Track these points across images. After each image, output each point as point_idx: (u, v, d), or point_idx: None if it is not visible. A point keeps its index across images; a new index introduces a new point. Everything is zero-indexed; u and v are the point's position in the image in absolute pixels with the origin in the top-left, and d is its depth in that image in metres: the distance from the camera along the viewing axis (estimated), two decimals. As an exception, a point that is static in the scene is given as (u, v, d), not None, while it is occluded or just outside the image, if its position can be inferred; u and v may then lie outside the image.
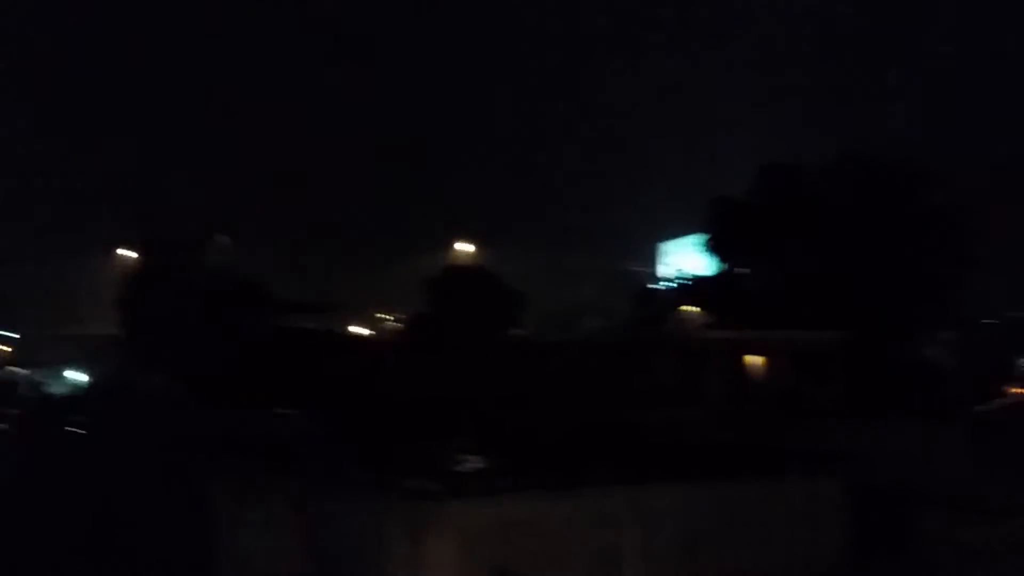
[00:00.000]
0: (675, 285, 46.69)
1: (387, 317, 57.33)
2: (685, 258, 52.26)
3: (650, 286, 52.73)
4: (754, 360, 29.93)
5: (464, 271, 42.18)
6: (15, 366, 59.48)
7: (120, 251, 48.28)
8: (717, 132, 68.50)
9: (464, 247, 57.99)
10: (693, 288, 39.00)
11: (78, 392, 47.17)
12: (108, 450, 28.06)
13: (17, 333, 63.08)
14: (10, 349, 63.49)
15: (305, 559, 19.65)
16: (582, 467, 17.88)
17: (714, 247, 36.45)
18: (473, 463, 19.80)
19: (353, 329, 53.36)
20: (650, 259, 63.22)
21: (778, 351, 30.06)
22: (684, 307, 40.50)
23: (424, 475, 17.35)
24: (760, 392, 29.08)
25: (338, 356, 32.36)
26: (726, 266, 36.37)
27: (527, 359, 31.27)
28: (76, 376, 55.14)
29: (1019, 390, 39.18)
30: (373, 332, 55.41)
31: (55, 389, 46.98)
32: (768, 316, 32.45)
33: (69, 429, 32.31)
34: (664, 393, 28.18)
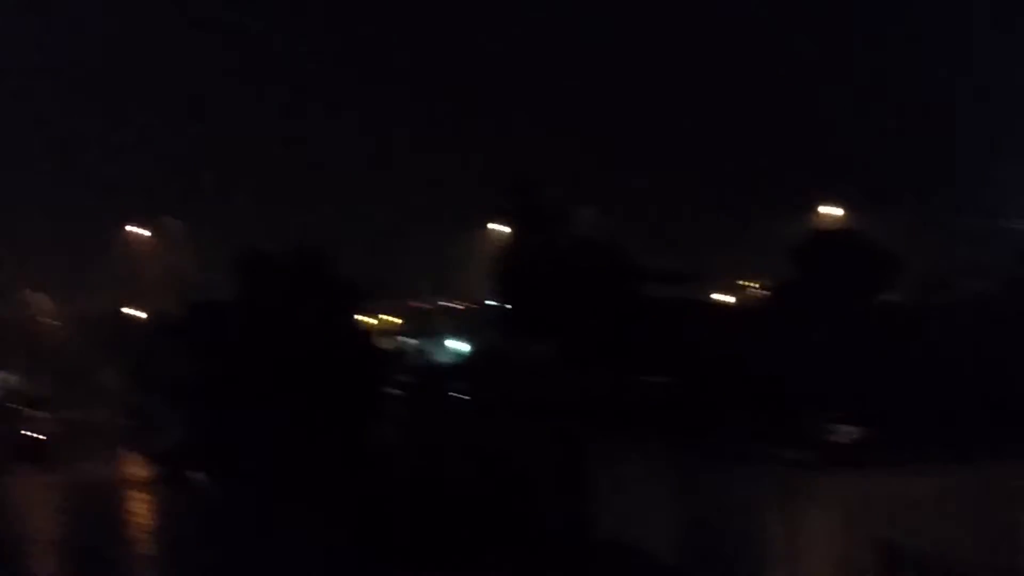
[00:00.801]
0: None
1: (751, 285, 56.36)
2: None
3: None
4: None
5: (832, 234, 40.59)
6: (404, 336, 63.92)
7: (496, 224, 50.65)
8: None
9: (831, 210, 55.75)
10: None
11: (460, 360, 49.97)
12: (488, 415, 29.53)
13: (406, 305, 67.65)
14: (399, 320, 68.21)
15: (689, 528, 19.78)
16: (974, 440, 16.77)
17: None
18: (849, 434, 19.11)
19: (717, 297, 52.93)
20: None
21: None
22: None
23: (799, 445, 16.94)
24: None
25: (703, 324, 32.16)
26: None
27: (903, 326, 29.67)
28: (458, 345, 58.47)
29: None
30: (737, 300, 54.70)
31: (439, 357, 49.99)
32: None
33: (452, 395, 34.30)
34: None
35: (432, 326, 66.10)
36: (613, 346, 29.84)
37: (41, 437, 52.56)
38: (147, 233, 71.50)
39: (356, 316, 34.05)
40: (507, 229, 38.41)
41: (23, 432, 53.05)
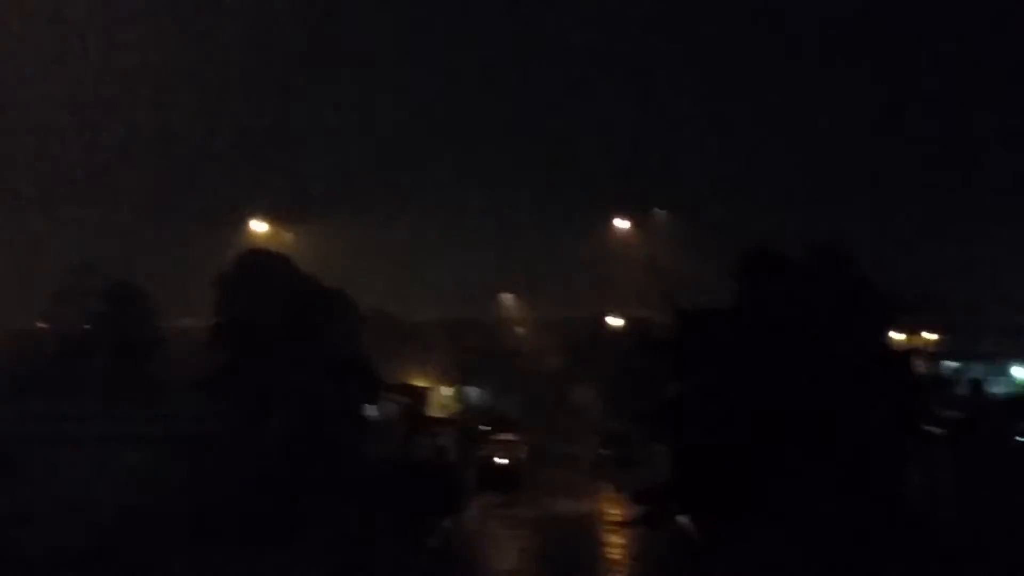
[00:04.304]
0: None
1: None
2: None
3: None
4: None
5: None
6: (946, 359, 61.43)
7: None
8: None
9: None
10: None
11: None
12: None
13: (947, 320, 65.06)
14: (938, 337, 65.73)
15: None
16: None
17: None
18: None
19: None
20: None
21: None
22: None
23: None
24: None
25: None
26: None
27: None
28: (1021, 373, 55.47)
29: None
30: None
31: (996, 388, 47.71)
32: None
33: (1015, 437, 32.65)
34: None
35: (982, 346, 63.11)
36: None
37: (508, 463, 56.07)
38: (633, 227, 74.59)
39: (887, 331, 33.29)
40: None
41: (489, 456, 56.91)
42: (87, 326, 48.60)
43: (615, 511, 44.88)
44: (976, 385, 41.06)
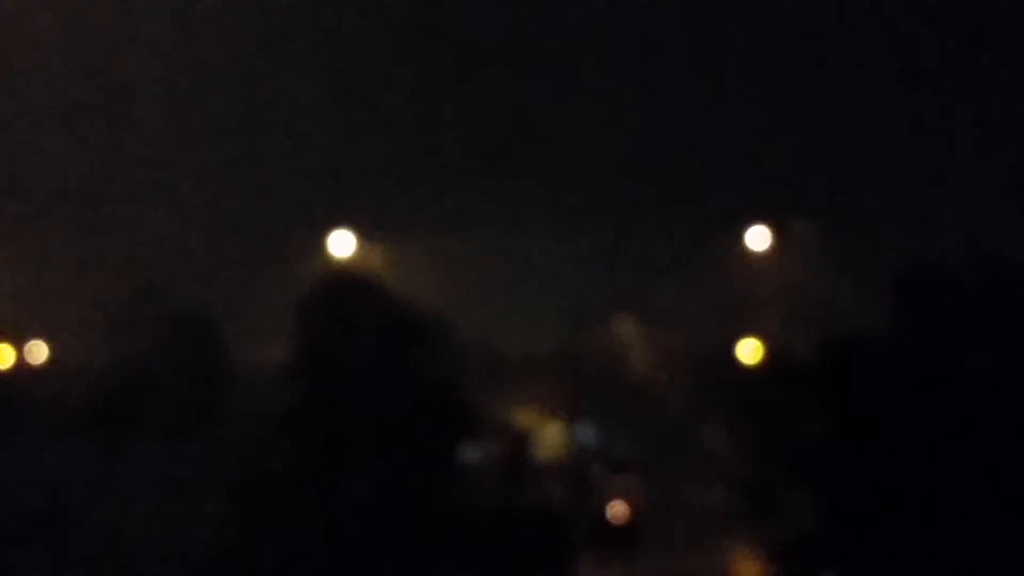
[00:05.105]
0: None
1: None
2: None
3: None
4: None
5: None
6: None
7: None
8: None
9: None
10: None
11: None
12: None
13: None
14: None
15: None
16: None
17: None
18: None
19: None
20: None
21: None
22: None
23: None
24: None
25: None
26: None
27: None
28: None
29: None
30: None
31: None
32: None
33: None
34: None
35: None
36: None
37: (625, 511, 55.54)
38: (769, 240, 73.60)
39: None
40: None
41: (603, 504, 56.43)
42: (151, 357, 48.88)
43: (749, 568, 44.45)
44: None
